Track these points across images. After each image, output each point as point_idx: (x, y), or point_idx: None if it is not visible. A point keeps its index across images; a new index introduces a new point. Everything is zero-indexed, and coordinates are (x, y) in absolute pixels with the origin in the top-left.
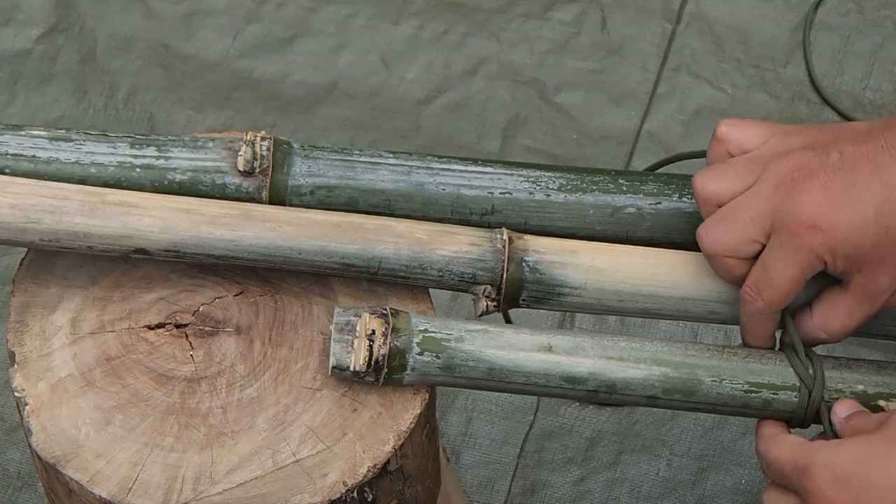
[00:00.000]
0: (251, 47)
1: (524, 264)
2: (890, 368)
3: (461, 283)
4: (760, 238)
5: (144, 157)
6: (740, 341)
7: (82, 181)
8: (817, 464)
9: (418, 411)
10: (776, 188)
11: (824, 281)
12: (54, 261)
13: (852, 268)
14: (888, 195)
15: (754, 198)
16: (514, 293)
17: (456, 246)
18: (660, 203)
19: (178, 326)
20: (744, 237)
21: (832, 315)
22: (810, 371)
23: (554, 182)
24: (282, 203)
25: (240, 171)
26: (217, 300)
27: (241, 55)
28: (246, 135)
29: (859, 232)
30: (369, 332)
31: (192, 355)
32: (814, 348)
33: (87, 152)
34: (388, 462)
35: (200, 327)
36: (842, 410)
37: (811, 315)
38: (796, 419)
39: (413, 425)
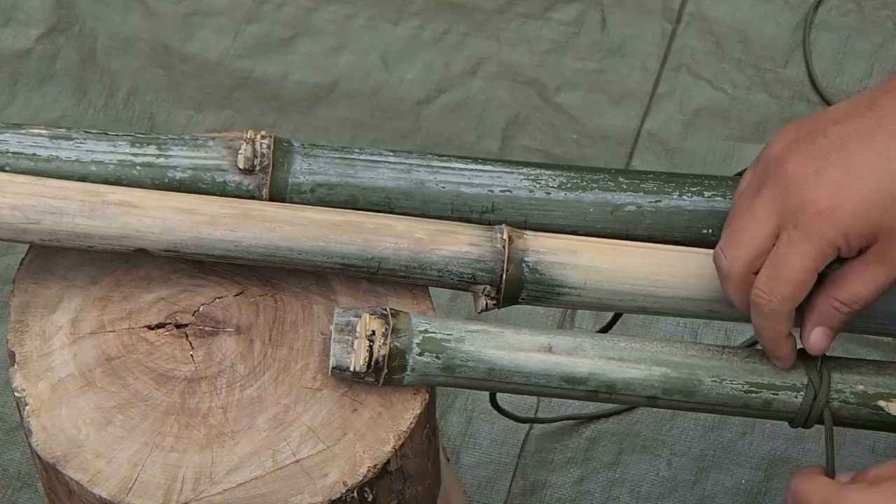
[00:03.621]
0: (251, 47)
1: (524, 264)
2: (890, 368)
3: (461, 283)
4: (773, 242)
5: (145, 155)
6: (740, 341)
7: (83, 179)
8: (845, 500)
9: (418, 411)
10: (774, 189)
11: None
12: (54, 261)
13: (868, 243)
14: (885, 163)
15: (757, 207)
16: (513, 292)
17: (456, 246)
18: (660, 201)
19: (178, 326)
20: (759, 247)
21: (844, 284)
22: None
23: (554, 180)
24: (282, 201)
25: (240, 169)
26: (217, 300)
27: (241, 55)
28: (246, 133)
29: (865, 206)
30: (369, 332)
31: (192, 355)
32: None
33: (87, 150)
34: (388, 462)
35: (200, 327)
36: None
37: (823, 287)
38: (799, 419)
39: (413, 425)
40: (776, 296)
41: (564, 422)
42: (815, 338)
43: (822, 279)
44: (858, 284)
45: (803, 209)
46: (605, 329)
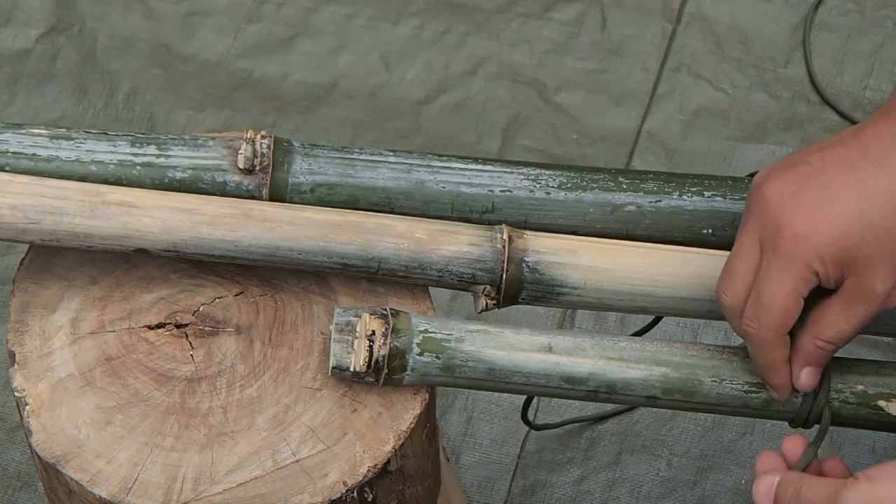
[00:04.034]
0: (251, 47)
1: (524, 264)
2: (890, 368)
3: (461, 283)
4: (757, 265)
5: (145, 155)
6: (740, 341)
7: (83, 179)
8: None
9: (418, 411)
10: (754, 216)
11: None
12: (54, 261)
13: (843, 273)
14: (865, 192)
15: (741, 239)
16: (513, 292)
17: (456, 246)
18: (660, 201)
19: (178, 326)
20: (750, 279)
21: (825, 322)
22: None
23: (554, 180)
24: (282, 201)
25: (240, 169)
26: (217, 300)
27: (241, 55)
28: (246, 133)
29: (842, 232)
30: (369, 332)
31: (192, 355)
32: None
33: (87, 150)
34: (388, 462)
35: (200, 327)
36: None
37: (804, 326)
38: (798, 419)
39: (413, 425)
40: (763, 324)
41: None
42: (805, 378)
43: (804, 318)
44: (841, 322)
45: (780, 233)
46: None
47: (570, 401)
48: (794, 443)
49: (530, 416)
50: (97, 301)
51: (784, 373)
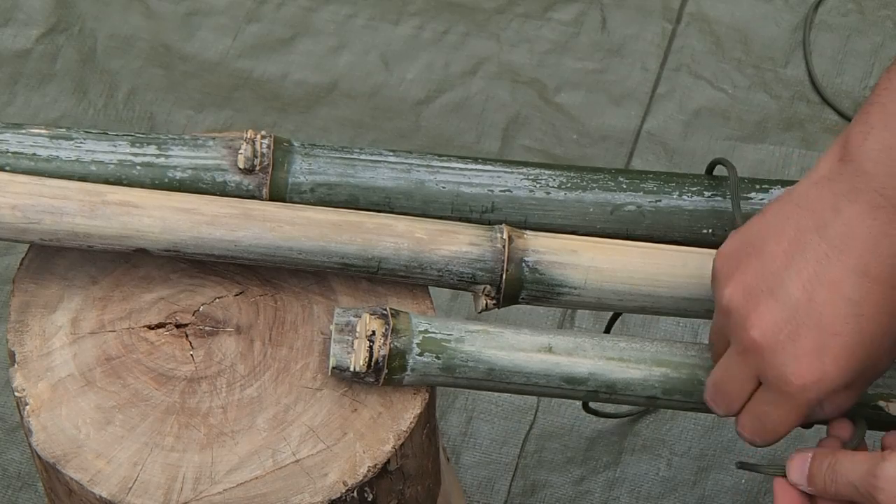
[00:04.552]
0: (251, 47)
1: (524, 264)
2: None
3: (461, 283)
4: (753, 388)
5: (145, 155)
6: None
7: (83, 179)
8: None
9: (418, 411)
10: (746, 355)
11: None
12: (54, 261)
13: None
14: (858, 309)
15: (733, 368)
16: (513, 292)
17: (456, 246)
18: (660, 201)
19: (178, 326)
20: (742, 399)
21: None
22: None
23: (554, 180)
24: (282, 201)
25: (240, 169)
26: (217, 300)
27: (241, 55)
28: (246, 133)
29: (849, 364)
30: (369, 332)
31: (192, 355)
32: None
33: (87, 150)
34: (388, 462)
35: (200, 327)
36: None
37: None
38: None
39: (413, 425)
40: (764, 440)
41: (564, 422)
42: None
43: None
44: (843, 404)
45: (786, 381)
46: (607, 329)
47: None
48: (841, 426)
49: (530, 416)
50: (97, 301)
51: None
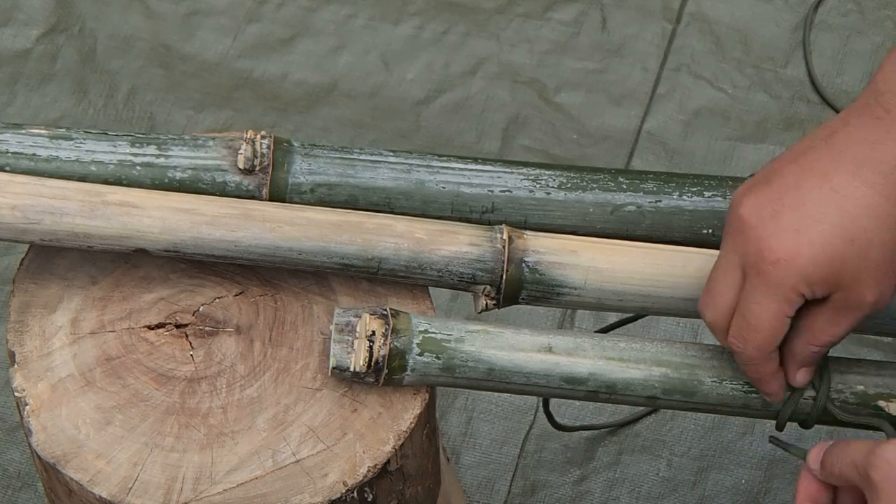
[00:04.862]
0: (251, 47)
1: (524, 265)
2: (890, 368)
3: (461, 283)
4: (738, 282)
5: (144, 155)
6: None
7: (83, 179)
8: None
9: (418, 411)
10: (732, 236)
11: None
12: (54, 261)
13: (830, 289)
14: (844, 204)
15: (721, 259)
16: (513, 292)
17: (456, 246)
18: (660, 201)
19: (178, 326)
20: (730, 298)
21: (817, 328)
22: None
23: (554, 180)
24: (282, 201)
25: (240, 169)
26: (217, 300)
27: (241, 55)
28: (246, 133)
29: (826, 252)
30: (369, 332)
31: (192, 355)
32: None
33: (87, 150)
34: (388, 462)
35: (200, 327)
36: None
37: (798, 333)
38: (799, 419)
39: (413, 425)
40: (749, 343)
41: (564, 422)
42: (801, 377)
43: (796, 324)
44: (833, 328)
45: (762, 257)
46: (606, 330)
47: (585, 404)
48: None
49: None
50: (97, 301)
51: (775, 382)
